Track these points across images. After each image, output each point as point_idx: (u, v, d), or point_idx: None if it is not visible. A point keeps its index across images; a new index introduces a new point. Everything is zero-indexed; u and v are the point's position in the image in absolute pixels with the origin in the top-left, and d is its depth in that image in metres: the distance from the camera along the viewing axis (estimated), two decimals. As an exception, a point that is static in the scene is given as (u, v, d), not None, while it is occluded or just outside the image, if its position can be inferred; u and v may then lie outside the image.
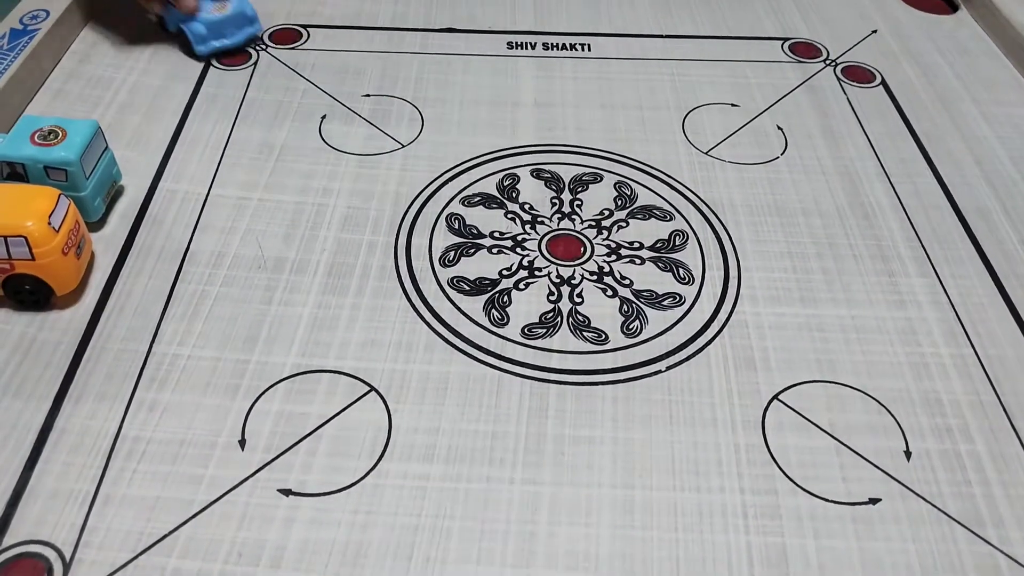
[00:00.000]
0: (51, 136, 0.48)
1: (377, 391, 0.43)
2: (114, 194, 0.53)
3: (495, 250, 0.51)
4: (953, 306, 0.49)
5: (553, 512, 0.39)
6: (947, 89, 0.65)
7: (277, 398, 0.43)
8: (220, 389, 0.43)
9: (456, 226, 0.53)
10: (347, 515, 0.38)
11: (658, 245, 0.52)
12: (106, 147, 0.51)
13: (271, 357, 0.45)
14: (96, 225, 0.51)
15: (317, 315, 0.47)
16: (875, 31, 0.72)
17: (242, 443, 0.41)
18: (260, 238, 0.51)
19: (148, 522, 0.38)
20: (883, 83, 0.66)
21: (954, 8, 0.76)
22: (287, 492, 0.39)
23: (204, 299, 0.47)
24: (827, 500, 0.40)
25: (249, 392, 0.43)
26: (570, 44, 0.68)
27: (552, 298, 0.48)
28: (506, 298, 0.48)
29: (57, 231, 0.44)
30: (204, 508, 0.38)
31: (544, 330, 0.47)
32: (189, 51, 0.65)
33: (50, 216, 0.44)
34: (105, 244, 0.50)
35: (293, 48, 0.67)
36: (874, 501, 0.40)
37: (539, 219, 0.53)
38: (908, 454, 0.42)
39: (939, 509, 0.40)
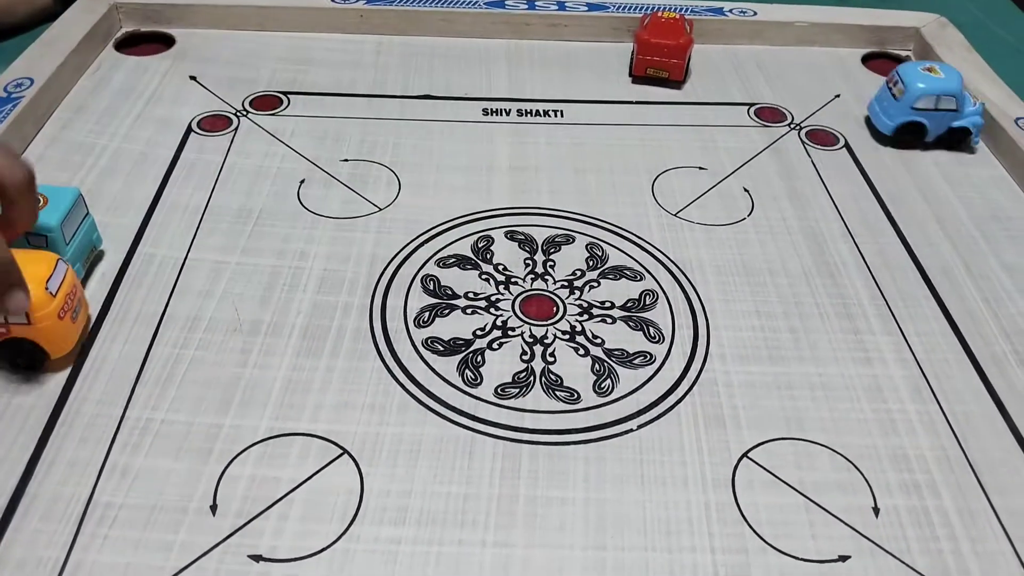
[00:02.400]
0: None
1: (350, 454, 0.43)
2: (93, 258, 0.53)
3: (469, 311, 0.52)
4: (918, 363, 0.50)
5: (525, 574, 0.39)
6: (908, 151, 0.68)
7: (250, 462, 0.43)
8: (192, 453, 0.43)
9: (431, 287, 0.54)
10: (318, 580, 0.38)
11: (629, 305, 0.53)
12: (87, 213, 0.52)
13: (244, 420, 0.45)
14: (73, 290, 0.52)
15: (291, 377, 0.47)
16: (838, 95, 0.74)
17: (213, 508, 0.41)
18: (236, 301, 0.52)
19: (117, 590, 0.38)
20: (846, 145, 0.68)
21: (913, 73, 0.79)
22: (257, 558, 0.39)
23: (179, 363, 0.48)
24: (797, 558, 0.40)
25: (222, 456, 0.43)
26: (543, 110, 0.70)
27: (525, 358, 0.49)
28: (480, 358, 0.49)
29: (54, 296, 0.45)
30: (174, 575, 0.38)
31: (517, 390, 0.47)
32: (173, 116, 0.67)
33: (48, 281, 0.45)
34: (82, 308, 0.51)
35: (273, 114, 0.68)
36: (844, 558, 0.40)
37: (513, 279, 0.54)
38: (876, 510, 0.42)
39: (908, 566, 0.40)
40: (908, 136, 0.67)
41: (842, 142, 0.69)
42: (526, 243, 0.57)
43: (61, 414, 0.45)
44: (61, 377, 0.46)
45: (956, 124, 0.66)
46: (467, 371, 0.48)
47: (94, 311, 0.50)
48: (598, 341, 0.50)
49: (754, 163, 0.66)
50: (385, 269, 0.55)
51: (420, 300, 0.53)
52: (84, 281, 0.52)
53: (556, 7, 0.80)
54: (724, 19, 0.80)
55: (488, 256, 0.56)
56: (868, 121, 0.71)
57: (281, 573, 0.38)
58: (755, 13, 0.81)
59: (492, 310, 0.52)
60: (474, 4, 0.79)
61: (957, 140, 0.67)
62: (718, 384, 0.48)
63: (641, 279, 0.55)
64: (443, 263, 0.55)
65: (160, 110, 0.68)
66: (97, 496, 0.41)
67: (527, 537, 0.40)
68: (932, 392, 0.49)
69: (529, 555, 0.40)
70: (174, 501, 0.41)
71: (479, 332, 0.51)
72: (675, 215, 0.60)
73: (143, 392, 0.46)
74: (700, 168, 0.65)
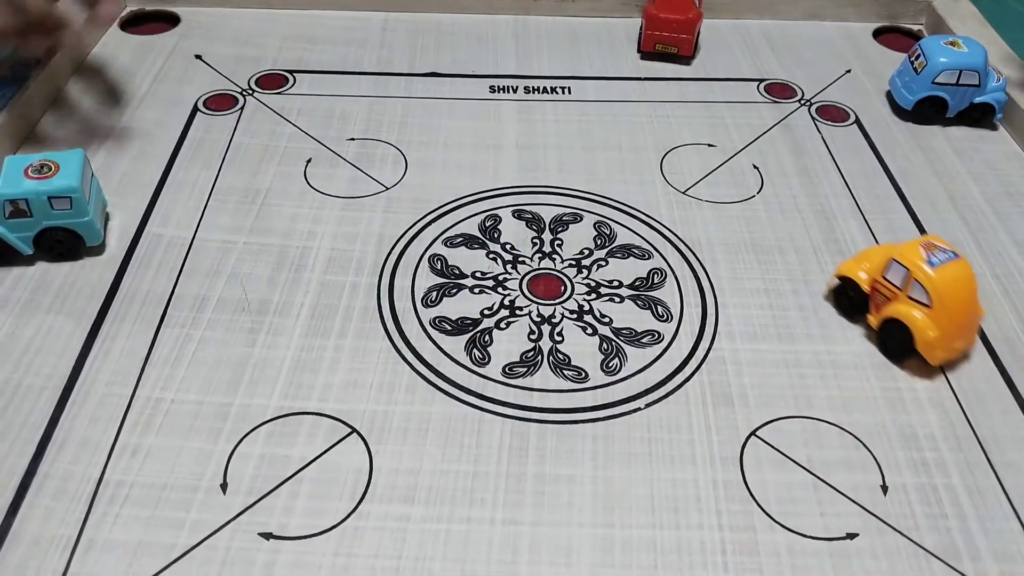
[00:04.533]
0: (44, 169, 0.50)
1: (359, 432, 0.44)
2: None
3: (477, 290, 0.52)
4: (928, 340, 0.50)
5: (533, 552, 0.39)
6: (920, 126, 0.67)
7: (259, 441, 0.43)
8: (203, 432, 0.43)
9: (439, 267, 0.53)
10: (328, 558, 0.39)
11: (637, 283, 0.53)
12: (93, 173, 0.53)
13: (254, 400, 0.45)
14: (81, 272, 0.52)
15: (300, 357, 0.47)
16: (849, 71, 0.74)
17: (224, 486, 0.41)
18: (244, 281, 0.52)
19: (130, 567, 0.38)
20: (857, 121, 0.68)
21: (926, 48, 0.78)
22: (268, 535, 0.39)
23: (188, 342, 0.48)
24: (805, 536, 0.40)
25: (232, 435, 0.43)
26: (551, 87, 0.70)
27: (533, 337, 0.49)
28: (487, 337, 0.49)
29: None
30: (185, 552, 0.39)
31: (525, 369, 0.47)
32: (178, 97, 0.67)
33: None
34: (91, 289, 0.51)
35: (280, 93, 0.68)
36: (851, 536, 0.40)
37: (520, 259, 0.54)
38: (885, 488, 0.42)
39: (916, 543, 0.40)
40: (929, 111, 0.66)
41: (853, 118, 0.68)
42: (534, 222, 0.57)
43: (72, 394, 0.45)
44: (71, 358, 0.47)
45: (978, 100, 0.65)
46: (475, 350, 0.48)
47: (102, 292, 0.51)
48: (606, 320, 0.50)
49: (764, 140, 0.65)
50: (392, 248, 0.55)
51: (428, 279, 0.52)
52: (103, 243, 0.53)
53: (563, -18, 0.79)
54: (734, -7, 0.79)
55: (496, 235, 0.56)
56: (888, 95, 0.70)
57: (291, 550, 0.39)
58: (765, -13, 0.79)
59: (500, 289, 0.52)
60: (480, -20, 0.79)
61: (979, 116, 0.66)
62: (726, 362, 0.48)
63: (649, 258, 0.55)
64: (450, 242, 0.55)
65: (166, 89, 0.68)
66: (108, 475, 0.41)
67: (535, 515, 0.41)
68: (941, 369, 0.48)
69: (537, 532, 0.40)
70: (185, 480, 0.41)
71: (487, 311, 0.51)
72: (684, 193, 0.60)
73: (153, 372, 0.46)
74: (709, 145, 0.64)
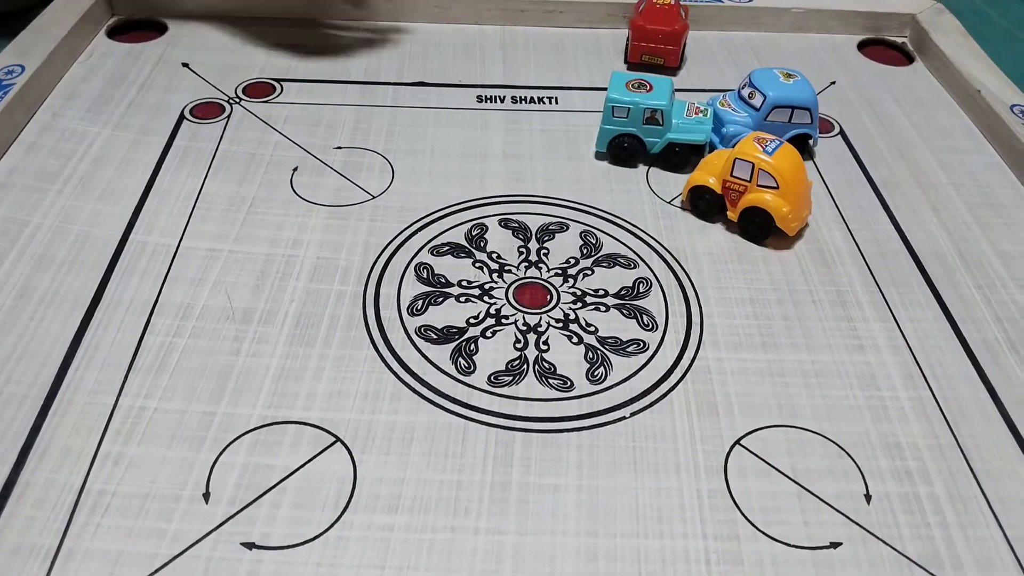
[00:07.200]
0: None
1: (343, 442, 0.43)
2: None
3: (463, 299, 0.52)
4: (911, 350, 0.50)
5: (517, 561, 0.39)
6: (903, 138, 0.68)
7: (243, 450, 0.43)
8: (186, 441, 0.43)
9: (424, 275, 0.53)
10: (311, 568, 0.38)
11: (622, 292, 0.53)
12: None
13: (237, 408, 0.45)
14: (65, 279, 0.51)
15: (284, 366, 0.47)
16: (834, 82, 0.74)
17: (206, 496, 0.41)
18: (229, 289, 0.52)
19: (110, 577, 0.38)
20: (841, 132, 0.68)
21: (910, 60, 0.79)
22: (250, 545, 0.39)
23: (172, 351, 0.48)
24: (788, 545, 0.40)
25: (215, 444, 0.43)
26: (538, 97, 0.70)
27: (518, 346, 0.49)
28: (473, 346, 0.49)
29: None
30: (167, 562, 0.38)
31: (510, 378, 0.47)
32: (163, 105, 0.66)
33: None
34: (75, 296, 0.50)
35: (266, 101, 0.68)
36: (835, 545, 0.40)
37: (506, 268, 0.54)
38: (868, 497, 0.43)
39: (899, 552, 0.40)
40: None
41: (837, 129, 0.68)
42: (520, 231, 0.57)
43: (54, 403, 0.45)
44: (53, 366, 0.46)
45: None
46: (460, 359, 0.48)
47: (85, 299, 0.50)
48: (592, 329, 0.50)
49: (749, 150, 0.65)
50: (378, 257, 0.55)
51: (413, 288, 0.52)
52: None
53: (551, -7, 0.79)
54: (720, 5, 0.79)
55: (482, 244, 0.56)
56: (862, 108, 0.70)
57: (274, 560, 0.38)
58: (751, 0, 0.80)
59: (486, 298, 0.52)
60: (468, -10, 0.79)
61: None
62: (711, 371, 0.48)
63: (635, 267, 0.55)
64: (437, 251, 0.55)
65: (152, 97, 0.68)
66: (90, 484, 0.41)
67: (519, 524, 0.41)
68: (924, 379, 0.49)
69: (521, 542, 0.40)
70: (167, 489, 0.41)
71: (472, 320, 0.51)
72: (669, 203, 0.60)
73: (136, 380, 0.46)
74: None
